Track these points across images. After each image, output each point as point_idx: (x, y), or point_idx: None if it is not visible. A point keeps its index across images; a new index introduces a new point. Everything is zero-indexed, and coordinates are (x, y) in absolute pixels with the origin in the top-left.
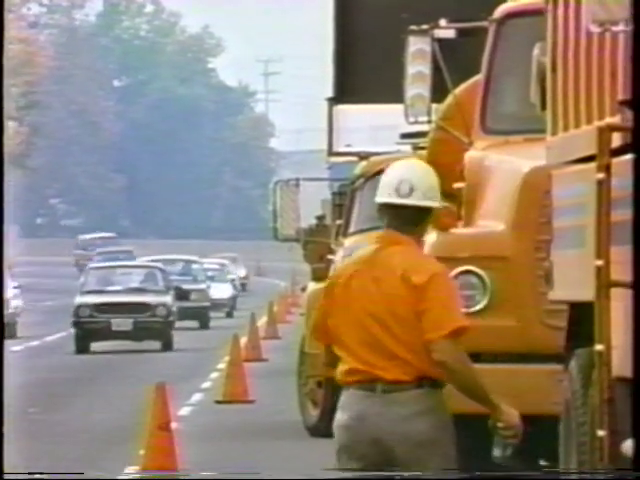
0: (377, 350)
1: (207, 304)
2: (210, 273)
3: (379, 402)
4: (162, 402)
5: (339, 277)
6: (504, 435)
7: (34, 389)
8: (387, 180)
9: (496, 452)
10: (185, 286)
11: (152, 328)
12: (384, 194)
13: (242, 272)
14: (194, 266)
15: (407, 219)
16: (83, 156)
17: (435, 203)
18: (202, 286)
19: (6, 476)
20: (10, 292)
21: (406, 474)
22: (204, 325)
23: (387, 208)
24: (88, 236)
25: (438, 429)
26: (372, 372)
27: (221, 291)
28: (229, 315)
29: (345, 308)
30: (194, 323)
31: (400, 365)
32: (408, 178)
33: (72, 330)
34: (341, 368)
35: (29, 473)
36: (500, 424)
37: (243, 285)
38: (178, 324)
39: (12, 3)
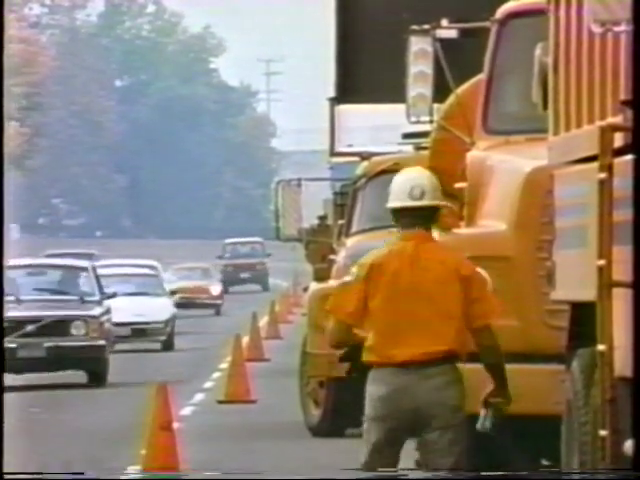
0: (421, 331)
1: (101, 342)
2: (135, 285)
3: (414, 376)
4: (164, 402)
5: (380, 268)
6: (502, 406)
7: (35, 389)
8: (398, 187)
9: (487, 424)
10: (60, 311)
11: None
12: (399, 199)
13: (216, 289)
14: (83, 275)
15: (423, 219)
16: (85, 156)
17: (442, 202)
18: (93, 312)
19: (6, 476)
20: None
21: (408, 473)
22: (96, 379)
23: (402, 211)
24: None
25: (462, 396)
26: (410, 352)
27: (155, 310)
28: (167, 347)
29: (394, 295)
30: (79, 376)
31: (435, 343)
32: (418, 183)
33: None
34: (376, 349)
35: (29, 473)
36: (497, 399)
37: (216, 307)
38: (47, 378)
39: (14, 3)
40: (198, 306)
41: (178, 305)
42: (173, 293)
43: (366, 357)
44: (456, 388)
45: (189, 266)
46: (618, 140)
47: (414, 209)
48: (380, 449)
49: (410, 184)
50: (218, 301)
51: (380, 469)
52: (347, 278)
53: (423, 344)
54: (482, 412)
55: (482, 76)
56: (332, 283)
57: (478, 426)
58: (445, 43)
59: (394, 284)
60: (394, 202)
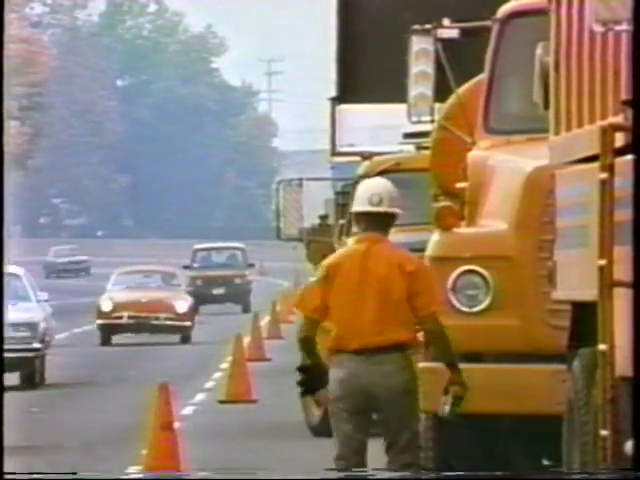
0: (370, 322)
1: None
2: None
3: (368, 362)
4: (165, 402)
5: (336, 268)
6: (458, 394)
7: (35, 389)
8: (360, 194)
9: (446, 409)
10: None
11: None
12: (359, 205)
13: (182, 305)
14: None
15: (379, 223)
16: (86, 156)
17: (397, 210)
18: None
19: (6, 476)
20: None
21: (403, 474)
22: None
23: (363, 215)
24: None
25: (413, 381)
26: (362, 341)
27: None
28: None
29: (347, 291)
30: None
31: (385, 333)
32: (378, 192)
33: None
34: (335, 338)
35: (29, 473)
36: (455, 387)
37: (182, 331)
38: None
39: (15, 3)
40: (155, 329)
41: (124, 328)
42: (115, 310)
43: (328, 345)
44: (405, 374)
45: (144, 269)
46: (619, 140)
47: (372, 214)
48: (342, 425)
49: (370, 192)
50: (186, 322)
51: (349, 444)
52: (312, 279)
53: (373, 334)
54: (442, 399)
55: (483, 76)
56: None
57: (439, 412)
58: (446, 43)
59: (347, 281)
60: (355, 207)
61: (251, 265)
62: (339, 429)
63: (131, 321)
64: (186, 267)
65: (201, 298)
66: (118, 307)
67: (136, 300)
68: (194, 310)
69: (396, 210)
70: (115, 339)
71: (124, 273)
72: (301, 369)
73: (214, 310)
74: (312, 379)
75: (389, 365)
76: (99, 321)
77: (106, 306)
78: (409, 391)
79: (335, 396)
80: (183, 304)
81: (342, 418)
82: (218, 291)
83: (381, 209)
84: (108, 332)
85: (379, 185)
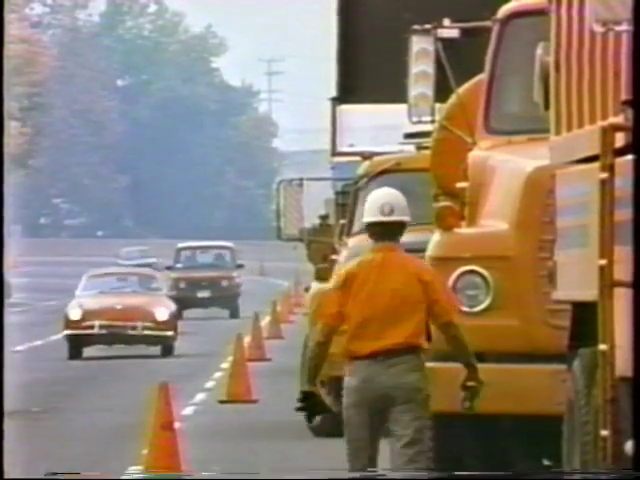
0: (383, 327)
1: None
2: None
3: (380, 366)
4: (165, 402)
5: (353, 276)
6: (476, 390)
7: (36, 389)
8: (371, 204)
9: (467, 404)
10: None
11: None
12: (372, 215)
13: (163, 312)
14: None
15: (391, 232)
16: (86, 156)
17: (408, 218)
18: None
19: (6, 476)
20: None
21: (404, 474)
22: None
23: (374, 226)
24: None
25: (424, 380)
26: (375, 345)
27: None
28: None
29: (363, 298)
30: None
31: (397, 337)
32: (388, 201)
33: None
34: (350, 344)
35: (29, 473)
36: (472, 382)
37: (164, 341)
38: None
39: (15, 3)
40: (132, 340)
41: (96, 339)
42: (85, 319)
43: (343, 352)
44: (416, 374)
45: (119, 271)
46: (619, 140)
47: (384, 224)
48: (357, 432)
49: (381, 202)
50: (167, 332)
51: (360, 452)
52: (329, 286)
53: (386, 339)
54: (462, 395)
55: (483, 76)
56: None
57: (461, 407)
58: (446, 43)
59: (363, 290)
60: (367, 217)
61: (240, 266)
62: (353, 440)
63: (103, 331)
64: (169, 268)
65: (185, 302)
66: (88, 315)
67: (109, 307)
68: (177, 317)
69: (407, 219)
70: (86, 352)
71: (95, 276)
72: (303, 396)
73: (198, 315)
74: (314, 404)
75: (399, 367)
76: (67, 331)
77: (74, 314)
78: (419, 389)
79: (349, 403)
80: (164, 311)
81: (357, 426)
82: (203, 294)
83: (393, 218)
84: (77, 344)
85: (389, 195)
